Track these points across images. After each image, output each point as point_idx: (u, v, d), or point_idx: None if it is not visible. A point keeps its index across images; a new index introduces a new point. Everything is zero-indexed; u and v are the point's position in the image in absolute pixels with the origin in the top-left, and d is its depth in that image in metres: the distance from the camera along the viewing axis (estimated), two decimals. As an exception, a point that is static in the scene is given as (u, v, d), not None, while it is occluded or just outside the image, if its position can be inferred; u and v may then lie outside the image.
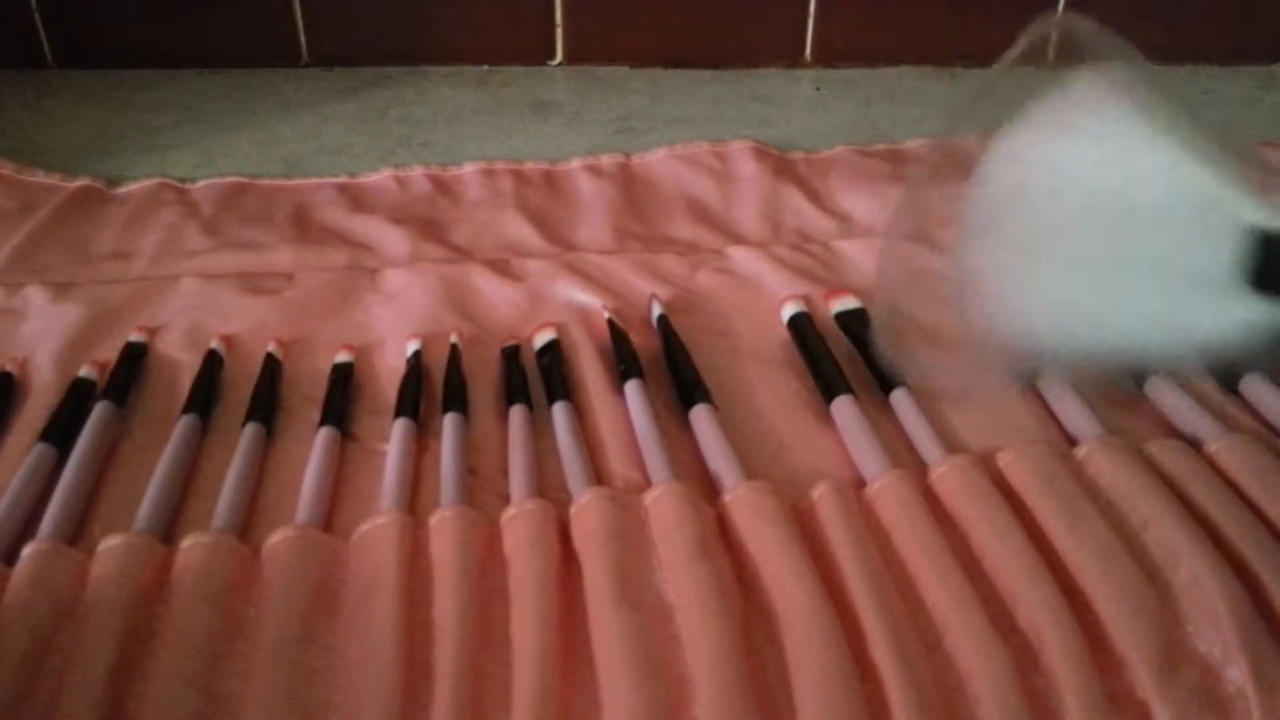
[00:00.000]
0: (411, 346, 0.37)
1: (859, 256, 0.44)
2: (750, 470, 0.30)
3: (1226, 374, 0.35)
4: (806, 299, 0.40)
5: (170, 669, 0.24)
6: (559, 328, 0.38)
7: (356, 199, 0.50)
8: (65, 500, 0.29)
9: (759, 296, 0.41)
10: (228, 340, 0.38)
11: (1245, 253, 0.22)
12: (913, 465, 0.31)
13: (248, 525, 0.29)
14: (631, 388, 0.34)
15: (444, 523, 0.28)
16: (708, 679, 0.23)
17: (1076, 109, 0.26)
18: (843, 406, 0.33)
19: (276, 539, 0.27)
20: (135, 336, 0.37)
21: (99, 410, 0.33)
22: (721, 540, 0.28)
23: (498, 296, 0.41)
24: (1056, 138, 0.26)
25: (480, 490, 0.31)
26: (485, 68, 0.71)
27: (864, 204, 0.49)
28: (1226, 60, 0.72)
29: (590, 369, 0.36)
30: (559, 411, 0.33)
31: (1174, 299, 0.23)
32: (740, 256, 0.44)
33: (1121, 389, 0.35)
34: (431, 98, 0.65)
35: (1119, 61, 0.28)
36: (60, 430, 0.32)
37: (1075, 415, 0.32)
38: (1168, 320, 0.23)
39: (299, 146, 0.57)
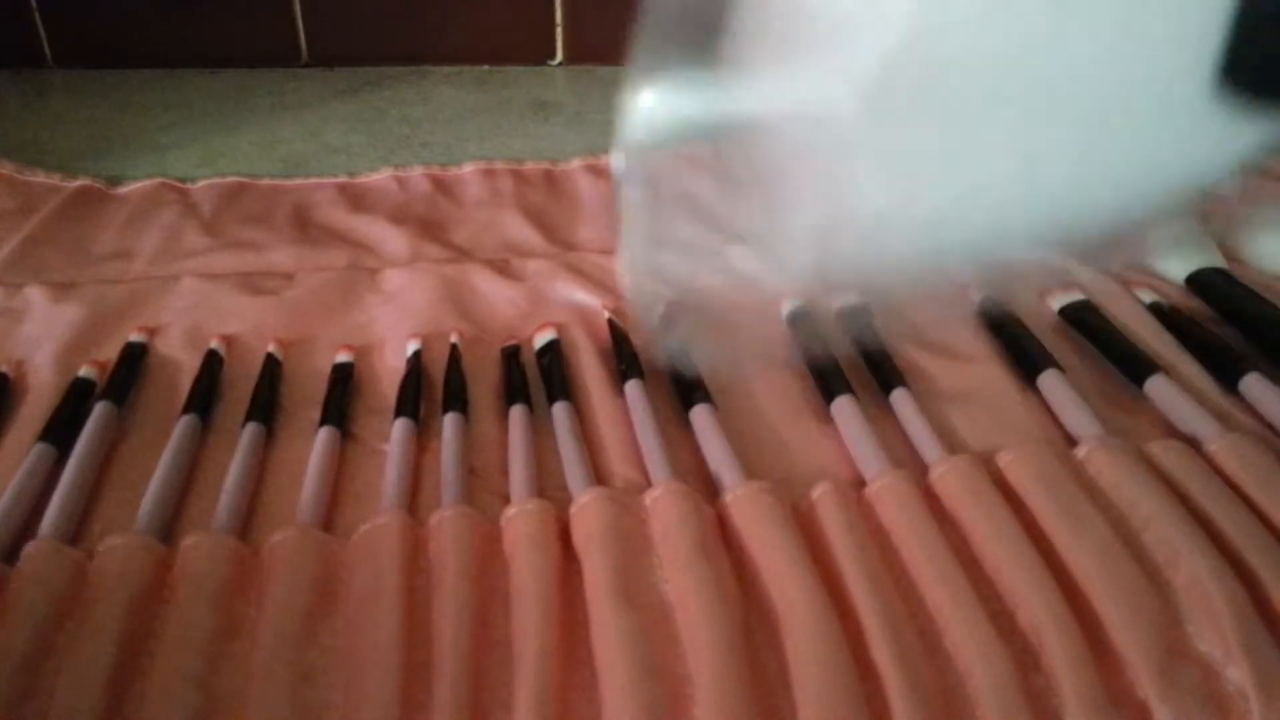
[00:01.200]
0: (411, 346, 0.37)
1: (859, 256, 0.44)
2: (750, 470, 0.30)
3: (1226, 372, 0.35)
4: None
5: (170, 669, 0.24)
6: (559, 328, 0.38)
7: (356, 199, 0.50)
8: (65, 500, 0.29)
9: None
10: (228, 340, 0.38)
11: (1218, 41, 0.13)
12: (913, 465, 0.31)
13: (248, 525, 0.29)
14: (631, 388, 0.34)
15: (444, 523, 0.28)
16: (708, 679, 0.23)
17: None
18: (843, 406, 0.33)
19: (277, 539, 0.27)
20: (135, 336, 0.37)
21: (99, 410, 0.33)
22: (721, 540, 0.28)
23: (498, 296, 0.41)
24: None
25: (480, 490, 0.31)
26: (485, 68, 0.71)
27: (864, 204, 0.49)
28: (1226, 60, 0.72)
29: (590, 369, 0.36)
30: (559, 411, 0.33)
31: (1123, 135, 0.14)
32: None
33: (1121, 389, 0.35)
34: (431, 98, 0.65)
35: None
36: (60, 430, 0.32)
37: (1075, 415, 0.32)
38: (1123, 164, 0.15)
39: (299, 146, 0.57)
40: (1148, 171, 0.15)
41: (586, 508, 0.28)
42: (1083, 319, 0.38)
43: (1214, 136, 0.14)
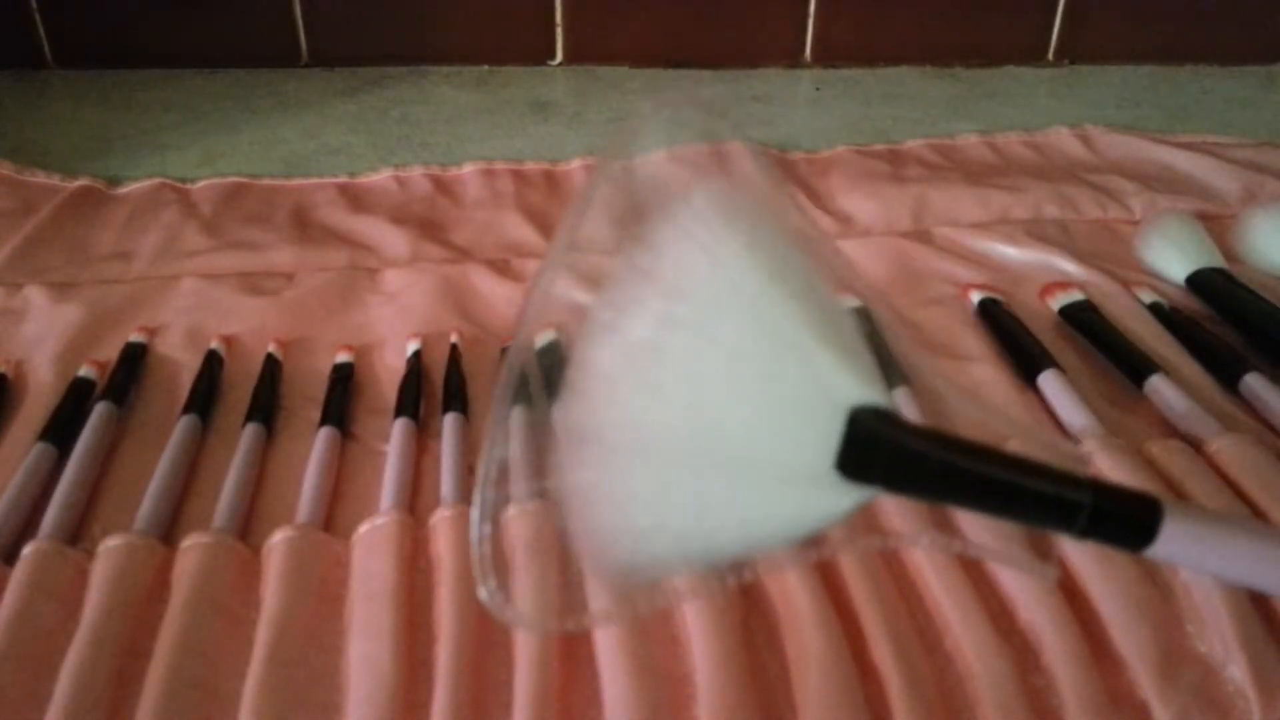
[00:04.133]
0: (411, 346, 0.37)
1: (859, 256, 0.44)
2: (750, 470, 0.30)
3: (1226, 372, 0.35)
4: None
5: (170, 669, 0.24)
6: (559, 328, 0.38)
7: (356, 199, 0.50)
8: (65, 500, 0.29)
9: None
10: (228, 340, 0.38)
11: (837, 433, 0.19)
12: (913, 465, 0.31)
13: (248, 525, 0.29)
14: (631, 388, 0.34)
15: (444, 523, 0.28)
16: (708, 679, 0.23)
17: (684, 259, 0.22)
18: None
19: (276, 539, 0.27)
20: (135, 336, 0.37)
21: (99, 410, 0.33)
22: (721, 540, 0.28)
23: (498, 296, 0.41)
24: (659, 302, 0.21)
25: (480, 490, 0.31)
26: (485, 68, 0.71)
27: (864, 204, 0.49)
28: (1226, 60, 0.72)
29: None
30: (559, 412, 0.33)
31: (755, 490, 0.20)
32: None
33: (1121, 389, 0.35)
34: (431, 98, 0.65)
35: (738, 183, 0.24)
36: (60, 430, 0.32)
37: (1075, 415, 0.32)
38: (749, 516, 0.20)
39: (299, 146, 0.57)
40: (774, 522, 0.20)
41: (586, 508, 0.28)
42: (1083, 319, 0.38)
43: (826, 501, 0.20)
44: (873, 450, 0.20)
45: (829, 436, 0.19)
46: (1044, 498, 0.20)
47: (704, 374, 0.20)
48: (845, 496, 0.20)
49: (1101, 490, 0.20)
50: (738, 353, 0.20)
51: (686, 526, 0.20)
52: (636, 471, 0.21)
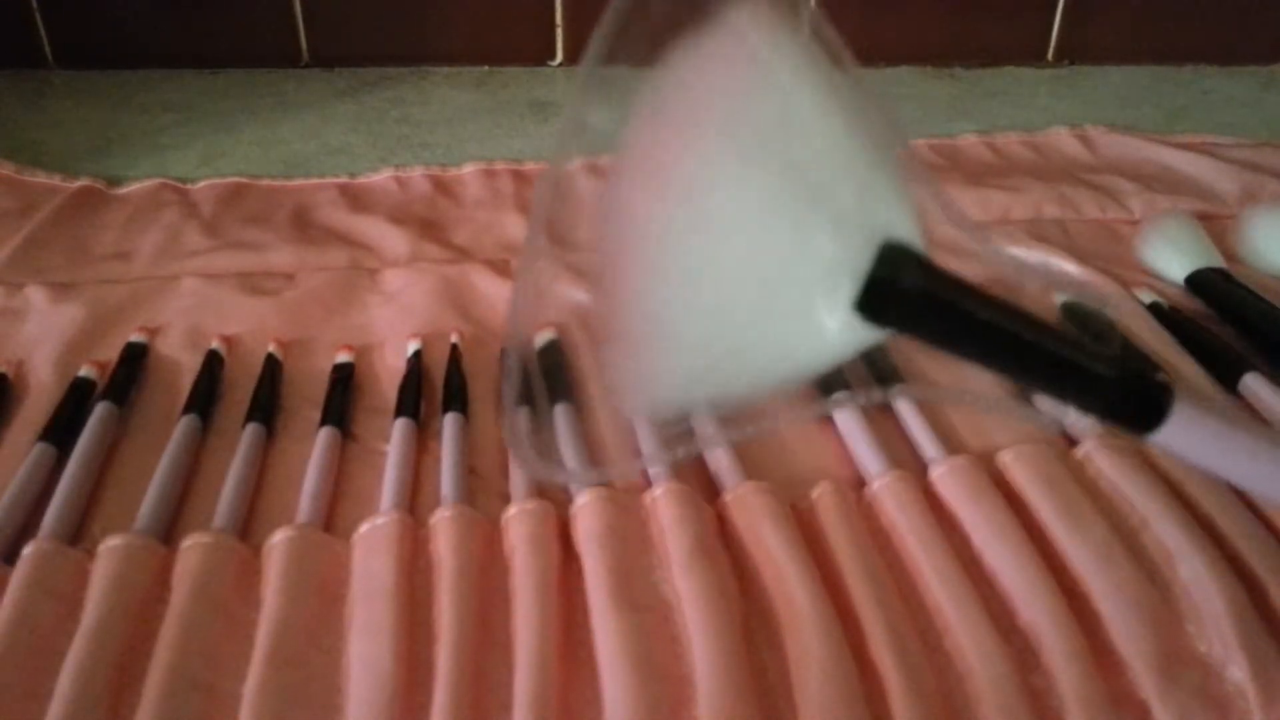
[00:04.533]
0: (411, 346, 0.37)
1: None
2: (750, 470, 0.30)
3: (1226, 372, 0.35)
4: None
5: (170, 669, 0.24)
6: (559, 328, 0.38)
7: (356, 199, 0.50)
8: (65, 500, 0.29)
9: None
10: (228, 340, 0.38)
11: (861, 271, 0.19)
12: (913, 465, 0.31)
13: (248, 525, 0.29)
14: (631, 388, 0.34)
15: (444, 523, 0.28)
16: (708, 679, 0.23)
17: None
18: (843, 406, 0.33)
19: (277, 539, 0.27)
20: (135, 337, 0.37)
21: (99, 410, 0.33)
22: (721, 540, 0.28)
23: (498, 296, 0.41)
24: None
25: (480, 490, 0.31)
26: (485, 68, 0.71)
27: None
28: (1226, 60, 0.72)
29: (590, 369, 0.36)
30: (559, 412, 0.33)
31: (777, 320, 0.20)
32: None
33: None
34: (431, 98, 0.65)
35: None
36: (60, 430, 0.32)
37: (1075, 415, 0.32)
38: (762, 348, 0.21)
39: (299, 146, 0.57)
40: (787, 360, 0.21)
41: (586, 508, 0.28)
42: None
43: (843, 340, 0.20)
44: (897, 289, 0.19)
45: (853, 270, 0.19)
46: (1068, 364, 0.20)
47: (733, 201, 0.20)
48: (861, 334, 0.20)
49: (1128, 367, 0.20)
50: (762, 185, 0.20)
51: (712, 357, 0.21)
52: (671, 299, 0.21)
